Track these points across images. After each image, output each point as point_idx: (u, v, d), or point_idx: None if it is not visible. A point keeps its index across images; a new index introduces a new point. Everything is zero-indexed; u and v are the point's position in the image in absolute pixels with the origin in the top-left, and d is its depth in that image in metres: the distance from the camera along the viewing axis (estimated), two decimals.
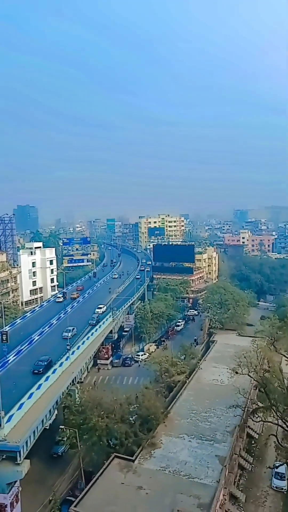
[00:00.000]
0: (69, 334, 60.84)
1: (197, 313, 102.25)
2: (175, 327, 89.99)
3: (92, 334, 63.44)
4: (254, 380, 46.78)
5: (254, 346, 50.32)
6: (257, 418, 45.41)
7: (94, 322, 70.07)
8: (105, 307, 79.33)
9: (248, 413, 46.12)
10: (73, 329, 64.03)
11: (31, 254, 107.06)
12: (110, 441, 39.84)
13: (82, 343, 58.74)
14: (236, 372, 46.82)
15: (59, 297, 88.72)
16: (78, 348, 56.38)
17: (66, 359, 51.41)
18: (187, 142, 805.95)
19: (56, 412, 45.09)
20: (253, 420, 46.37)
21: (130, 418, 41.65)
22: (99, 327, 67.55)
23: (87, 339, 61.14)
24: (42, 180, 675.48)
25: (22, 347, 57.22)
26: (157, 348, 79.00)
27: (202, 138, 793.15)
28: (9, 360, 52.34)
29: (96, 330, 65.51)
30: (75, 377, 50.38)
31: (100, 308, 78.50)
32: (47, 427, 42.30)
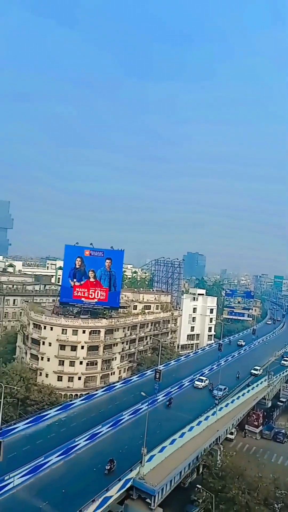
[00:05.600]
0: (220, 393, 58.15)
1: None
2: None
3: (243, 395, 59.15)
4: None
5: None
6: None
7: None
8: (261, 370, 73.71)
9: None
10: (225, 388, 60.53)
11: (194, 299, 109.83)
12: None
13: (231, 402, 55.22)
14: None
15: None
16: (226, 406, 53.25)
17: (213, 414, 49.22)
18: None
19: (195, 471, 43.24)
20: None
21: (275, 505, 36.38)
22: (252, 389, 62.60)
23: (237, 398, 57.24)
24: (214, 230, 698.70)
25: (172, 389, 57.98)
26: None
27: None
28: (158, 399, 53.74)
29: (248, 391, 60.93)
30: (219, 436, 47.61)
31: (257, 370, 73.31)
32: (185, 485, 40.88)
